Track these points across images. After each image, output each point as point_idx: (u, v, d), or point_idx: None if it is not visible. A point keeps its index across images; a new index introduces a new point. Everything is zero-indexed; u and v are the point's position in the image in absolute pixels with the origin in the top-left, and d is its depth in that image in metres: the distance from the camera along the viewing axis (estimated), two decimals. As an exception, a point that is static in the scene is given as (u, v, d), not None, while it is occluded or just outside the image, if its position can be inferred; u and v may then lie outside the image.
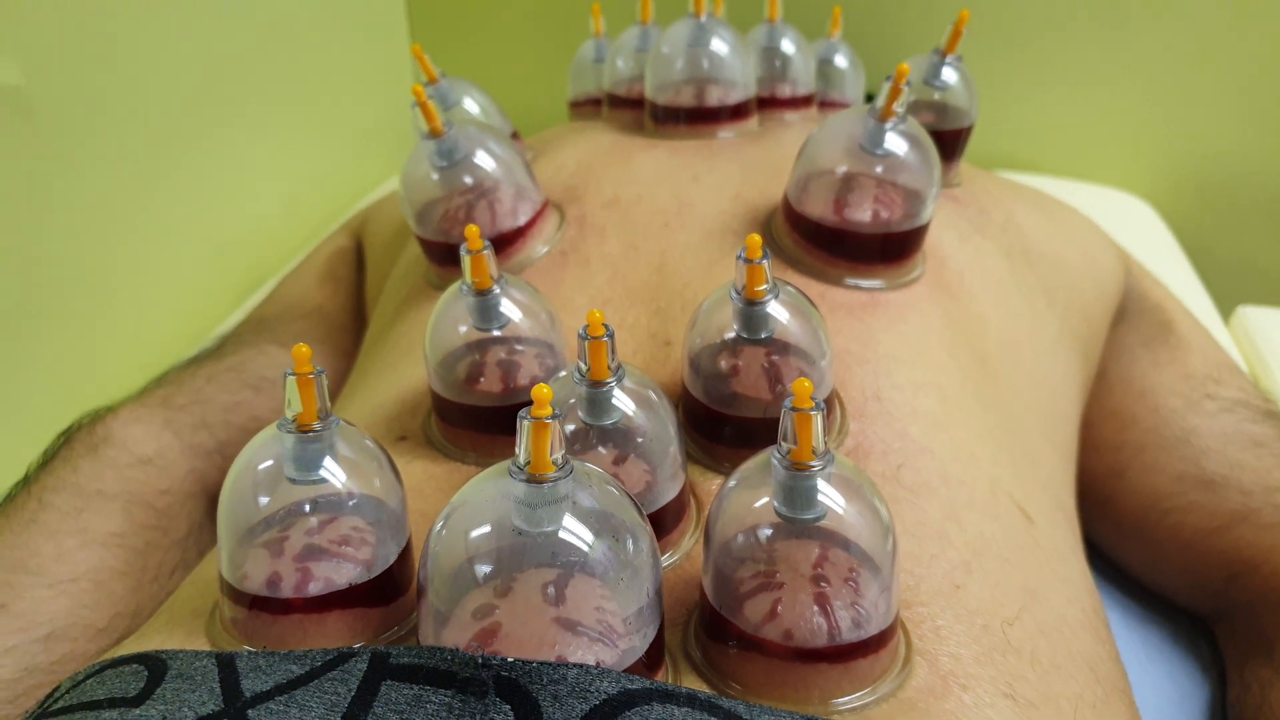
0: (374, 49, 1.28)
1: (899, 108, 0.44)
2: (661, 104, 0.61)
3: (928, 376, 0.43)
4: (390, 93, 1.36)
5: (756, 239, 0.34)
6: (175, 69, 0.90)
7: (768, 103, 0.67)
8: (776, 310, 0.36)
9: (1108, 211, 1.10)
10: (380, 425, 0.43)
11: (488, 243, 0.37)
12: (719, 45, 0.60)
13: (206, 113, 0.96)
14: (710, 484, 0.37)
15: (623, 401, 0.32)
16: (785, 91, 0.67)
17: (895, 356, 0.43)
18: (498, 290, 0.37)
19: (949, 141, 0.56)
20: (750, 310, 0.35)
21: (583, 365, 0.32)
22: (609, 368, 0.31)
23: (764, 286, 0.35)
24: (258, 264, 1.06)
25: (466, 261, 0.37)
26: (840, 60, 0.74)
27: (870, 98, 0.68)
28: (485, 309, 0.38)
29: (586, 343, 0.31)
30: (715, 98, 0.60)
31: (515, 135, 0.64)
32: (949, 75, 0.56)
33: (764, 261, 0.34)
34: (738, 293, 0.35)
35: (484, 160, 0.50)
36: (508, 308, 0.38)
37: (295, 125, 1.12)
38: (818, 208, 0.46)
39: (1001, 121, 1.19)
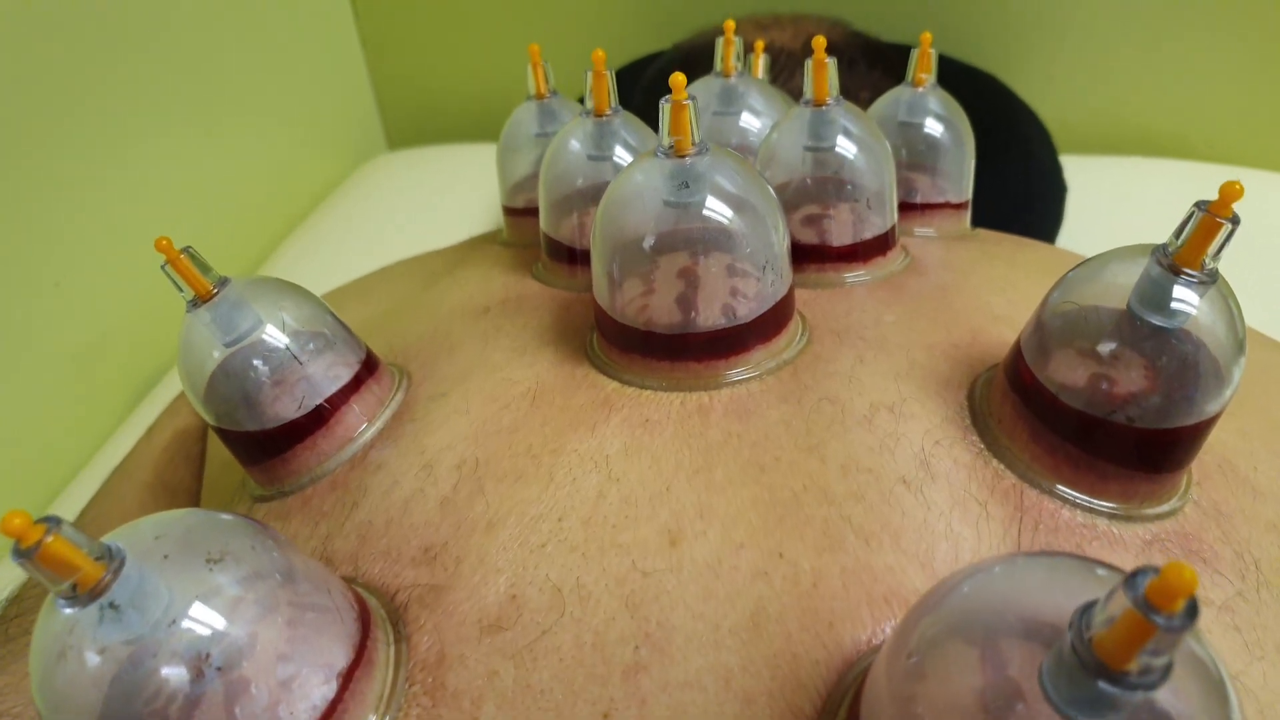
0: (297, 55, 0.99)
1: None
2: (638, 327, 0.32)
3: None
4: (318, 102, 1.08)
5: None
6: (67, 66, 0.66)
7: (814, 255, 0.39)
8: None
9: (1273, 204, 0.82)
10: None
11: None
12: (722, 208, 0.31)
13: (117, 120, 0.71)
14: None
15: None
16: (844, 234, 0.39)
17: None
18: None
19: (1185, 444, 0.28)
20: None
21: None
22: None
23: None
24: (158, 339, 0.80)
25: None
26: (934, 126, 0.45)
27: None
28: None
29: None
30: (735, 312, 0.32)
31: (373, 362, 0.36)
32: (1189, 299, 0.27)
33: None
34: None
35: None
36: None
37: (232, 134, 0.86)
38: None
39: (1145, 98, 0.89)
